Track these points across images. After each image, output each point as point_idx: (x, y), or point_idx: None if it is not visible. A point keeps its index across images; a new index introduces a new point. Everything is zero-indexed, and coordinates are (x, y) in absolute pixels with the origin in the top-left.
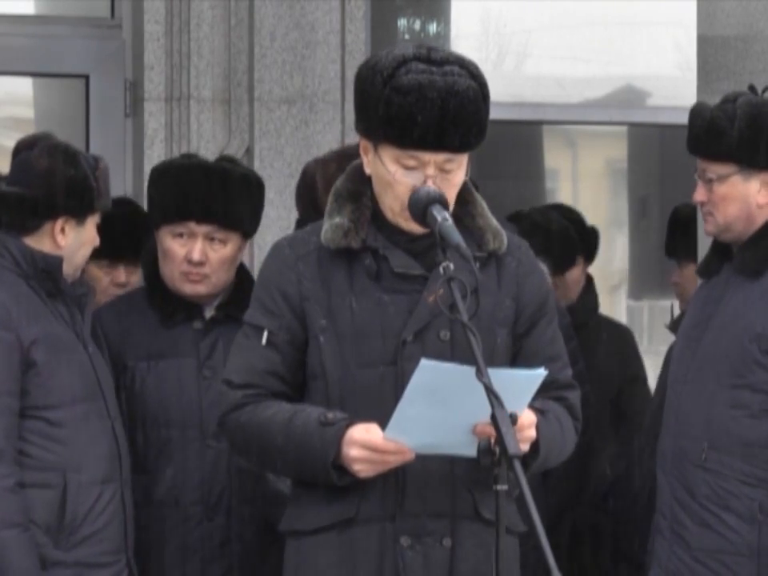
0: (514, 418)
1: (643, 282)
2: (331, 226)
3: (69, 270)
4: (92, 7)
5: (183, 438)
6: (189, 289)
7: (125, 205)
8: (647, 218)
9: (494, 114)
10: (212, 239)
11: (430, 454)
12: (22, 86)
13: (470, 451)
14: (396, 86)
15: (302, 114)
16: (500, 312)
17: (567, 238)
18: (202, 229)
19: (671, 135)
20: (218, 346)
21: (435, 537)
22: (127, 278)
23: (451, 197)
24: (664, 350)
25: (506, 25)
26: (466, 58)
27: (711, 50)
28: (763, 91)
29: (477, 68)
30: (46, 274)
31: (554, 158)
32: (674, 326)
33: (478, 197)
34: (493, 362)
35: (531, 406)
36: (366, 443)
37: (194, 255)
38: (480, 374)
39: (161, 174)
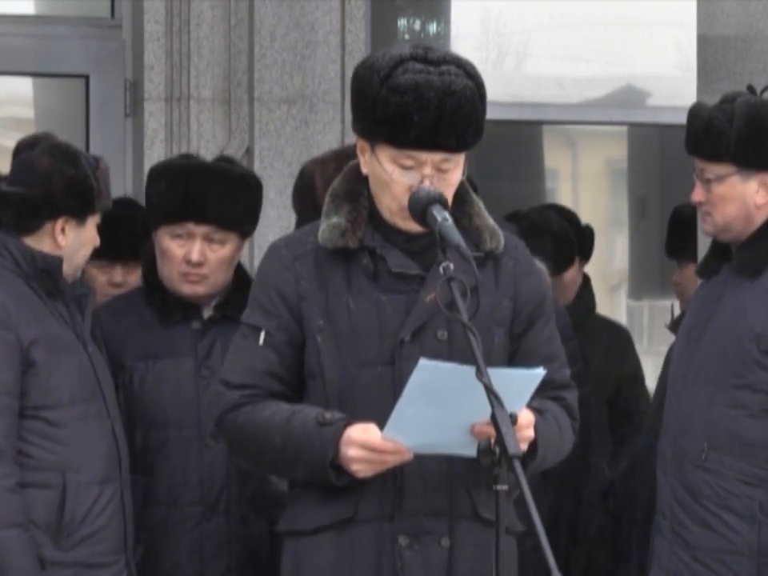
0: (513, 418)
1: (643, 282)
2: (328, 226)
3: (69, 270)
4: (92, 7)
5: (181, 438)
6: (187, 289)
7: (123, 205)
8: (647, 218)
9: (494, 114)
10: (210, 240)
11: (428, 454)
12: (22, 86)
13: (469, 451)
14: (393, 86)
15: (302, 114)
16: (497, 312)
17: (565, 239)
18: (201, 229)
19: (671, 135)
20: (216, 345)
21: (433, 536)
22: (124, 278)
23: (448, 196)
24: (664, 349)
25: (505, 25)
26: (462, 57)
27: (711, 50)
28: (762, 91)
29: (473, 68)
30: (45, 274)
31: (554, 158)
32: (674, 326)
33: (475, 197)
34: (490, 361)
35: (529, 406)
36: (364, 443)
37: (193, 256)
38: (480, 374)
39: (159, 174)
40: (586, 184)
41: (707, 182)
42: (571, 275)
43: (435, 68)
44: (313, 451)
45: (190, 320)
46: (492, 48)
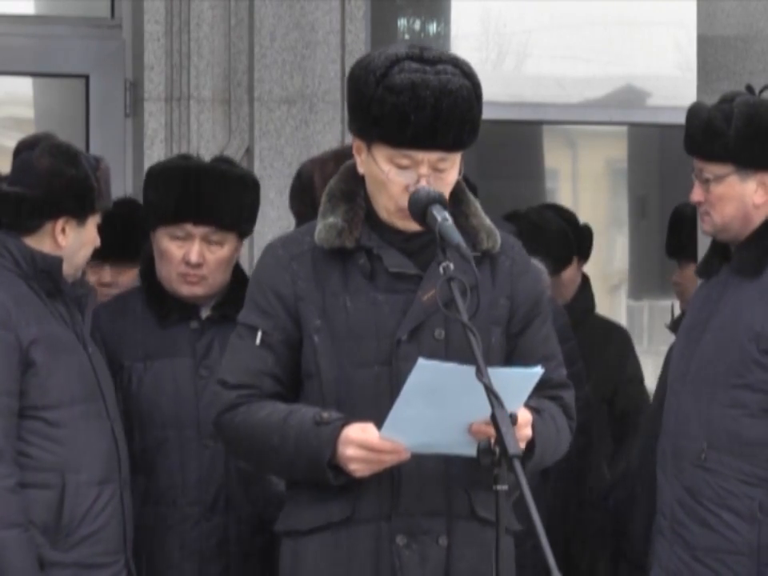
0: (513, 418)
1: (643, 282)
2: (325, 225)
3: (69, 270)
4: (92, 7)
5: (180, 438)
6: (186, 290)
7: (117, 206)
8: (647, 218)
9: (495, 114)
10: (209, 241)
11: (426, 454)
12: (22, 86)
13: (467, 450)
14: (389, 86)
15: (302, 114)
16: (494, 311)
17: (564, 238)
18: (199, 230)
19: (671, 135)
20: (215, 345)
21: (431, 536)
22: (113, 278)
23: (445, 196)
24: (664, 349)
25: (505, 25)
26: (458, 57)
27: (711, 50)
28: (761, 91)
29: (470, 67)
30: (45, 274)
31: (554, 158)
32: (674, 326)
33: (471, 196)
34: (488, 361)
35: (527, 405)
36: (362, 442)
37: (192, 257)
38: (480, 374)
39: (157, 175)
40: (586, 184)
41: (706, 182)
42: (570, 275)
43: (431, 67)
44: (310, 451)
45: (188, 320)
46: (492, 48)
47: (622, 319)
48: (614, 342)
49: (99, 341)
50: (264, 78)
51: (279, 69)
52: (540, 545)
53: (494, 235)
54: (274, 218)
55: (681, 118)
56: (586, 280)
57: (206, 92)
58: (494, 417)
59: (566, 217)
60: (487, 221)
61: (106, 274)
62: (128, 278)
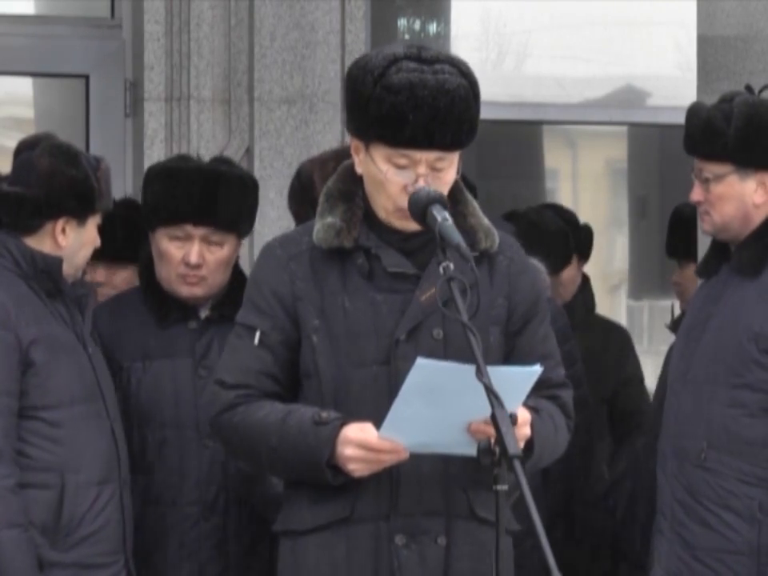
0: (514, 419)
1: (643, 282)
2: (323, 225)
3: (69, 270)
4: (92, 7)
5: (179, 438)
6: (186, 291)
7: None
8: (647, 218)
9: (494, 113)
10: (209, 242)
11: (424, 453)
12: (22, 86)
13: (466, 450)
14: (387, 85)
15: (302, 114)
16: (492, 310)
17: (563, 238)
18: (199, 231)
19: (671, 135)
20: (214, 345)
21: (430, 535)
22: (106, 278)
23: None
24: (664, 349)
25: (505, 25)
26: (456, 56)
27: (711, 50)
28: (760, 91)
29: (467, 66)
30: (45, 274)
31: (554, 158)
32: (674, 326)
33: (469, 196)
34: (487, 360)
35: (525, 405)
36: (360, 442)
37: (192, 258)
38: (480, 374)
39: (156, 176)
40: (586, 184)
41: (706, 182)
42: (570, 274)
43: (429, 67)
44: (309, 450)
45: (187, 320)
46: (492, 48)
47: (622, 319)
48: (615, 342)
49: (97, 341)
50: (264, 78)
51: (279, 69)
52: (540, 545)
53: (492, 235)
54: (274, 217)
55: (681, 118)
56: (586, 280)
57: (206, 92)
58: (494, 417)
59: (566, 217)
60: (485, 220)
61: (99, 273)
62: (121, 277)
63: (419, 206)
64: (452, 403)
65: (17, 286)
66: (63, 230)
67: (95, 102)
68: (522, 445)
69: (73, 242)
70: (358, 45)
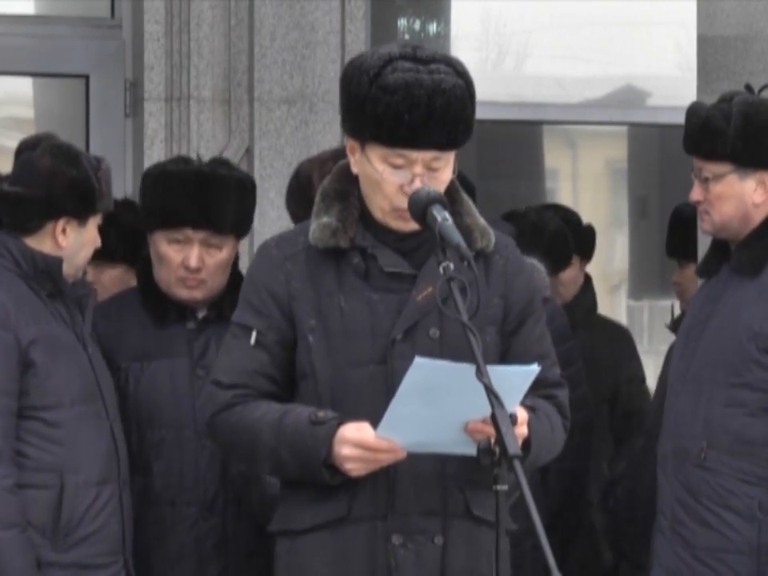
0: (513, 419)
1: (643, 282)
2: (319, 225)
3: (70, 270)
4: (92, 7)
5: (178, 438)
6: (185, 294)
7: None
8: (647, 218)
9: (494, 113)
10: (208, 244)
11: (421, 453)
12: (22, 86)
13: (463, 449)
14: (383, 85)
15: (302, 114)
16: (488, 310)
17: (562, 238)
18: (199, 235)
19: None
20: (211, 345)
21: (427, 535)
22: (95, 277)
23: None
24: (664, 349)
25: (505, 25)
26: (451, 56)
27: (711, 50)
28: (760, 90)
29: (462, 66)
30: (45, 274)
31: (554, 158)
32: (674, 325)
33: (465, 196)
34: (484, 360)
35: (522, 404)
36: (357, 442)
37: (191, 262)
38: (481, 374)
39: (155, 179)
40: (586, 184)
41: (705, 181)
42: (571, 275)
43: (424, 66)
44: (306, 450)
45: (184, 320)
46: (492, 48)
47: (622, 319)
48: (616, 342)
49: (96, 341)
50: (264, 78)
51: (279, 69)
52: (540, 545)
53: (488, 234)
54: (274, 217)
55: (681, 118)
56: (588, 280)
57: (206, 92)
58: (494, 417)
59: (569, 217)
60: (481, 220)
61: (88, 273)
62: (109, 276)
63: (419, 206)
64: (449, 402)
65: (17, 286)
66: (64, 230)
67: (95, 101)
68: (519, 444)
69: (73, 243)
70: (358, 45)
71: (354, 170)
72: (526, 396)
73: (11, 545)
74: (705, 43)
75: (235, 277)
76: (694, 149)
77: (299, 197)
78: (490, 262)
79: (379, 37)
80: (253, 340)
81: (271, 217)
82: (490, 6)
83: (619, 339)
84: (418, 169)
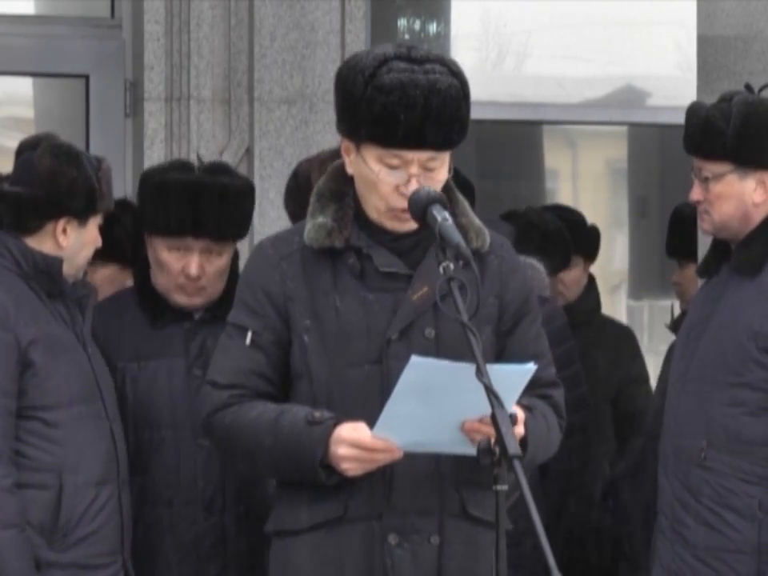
0: (513, 419)
1: (643, 282)
2: (314, 225)
3: (70, 270)
4: (92, 7)
5: (175, 438)
6: (185, 301)
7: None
8: (647, 218)
9: (494, 113)
10: (209, 252)
11: (417, 452)
12: (22, 86)
13: (459, 448)
14: (378, 85)
15: (302, 114)
16: (484, 309)
17: (560, 238)
18: (199, 244)
19: (671, 135)
20: (208, 345)
21: (423, 534)
22: (89, 276)
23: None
24: (664, 349)
25: (505, 25)
26: (446, 56)
27: (711, 50)
28: (760, 90)
29: (457, 66)
30: (45, 274)
31: (554, 158)
32: (674, 325)
33: (460, 195)
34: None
35: (518, 403)
36: (354, 441)
37: (192, 270)
38: (480, 374)
39: (155, 187)
40: (586, 184)
41: (705, 181)
42: (575, 275)
43: (419, 66)
44: (302, 450)
45: (181, 320)
46: (492, 48)
47: (622, 319)
48: (619, 342)
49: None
50: (264, 78)
51: (279, 69)
52: (540, 545)
53: (483, 234)
54: (274, 217)
55: (681, 118)
56: (592, 280)
57: (206, 92)
58: (494, 417)
59: (574, 218)
60: (476, 220)
61: None
62: (101, 275)
63: (419, 206)
64: (446, 402)
65: (17, 286)
66: (64, 231)
67: (95, 101)
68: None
69: (74, 243)
70: (358, 45)
71: (349, 170)
72: (522, 395)
73: (10, 545)
74: (705, 43)
75: (233, 277)
76: (694, 149)
77: (298, 197)
78: (485, 261)
79: (379, 37)
80: (248, 340)
81: (271, 217)
82: (490, 5)
83: (623, 339)
84: (414, 169)
